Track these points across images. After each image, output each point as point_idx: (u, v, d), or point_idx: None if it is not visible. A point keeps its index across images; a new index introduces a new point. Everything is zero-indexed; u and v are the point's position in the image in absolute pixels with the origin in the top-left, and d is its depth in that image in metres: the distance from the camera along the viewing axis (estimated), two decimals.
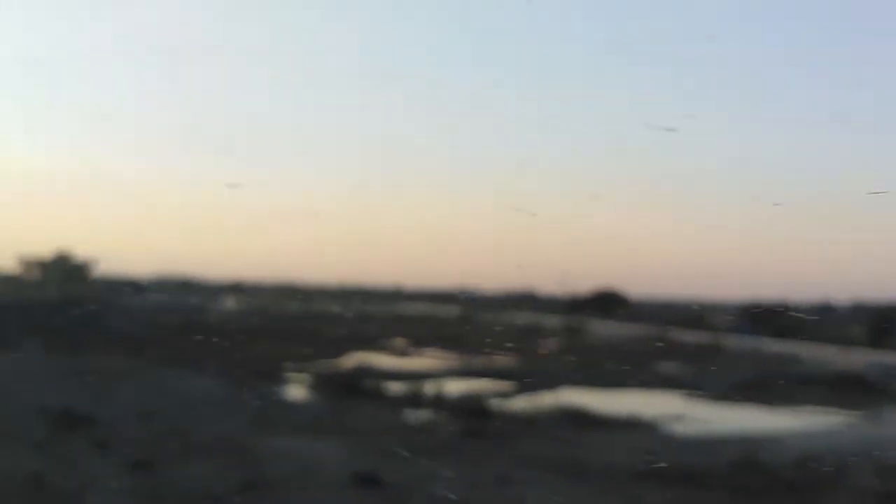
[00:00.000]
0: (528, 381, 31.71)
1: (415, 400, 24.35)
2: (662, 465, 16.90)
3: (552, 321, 64.01)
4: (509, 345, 44.98)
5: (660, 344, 47.39)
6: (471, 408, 23.08)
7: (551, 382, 31.13)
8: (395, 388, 26.47)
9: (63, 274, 64.47)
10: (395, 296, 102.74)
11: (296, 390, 26.35)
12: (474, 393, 25.49)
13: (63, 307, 48.33)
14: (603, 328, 60.45)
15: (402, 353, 40.74)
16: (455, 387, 27.93)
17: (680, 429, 22.62)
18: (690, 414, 25.54)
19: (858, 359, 40.23)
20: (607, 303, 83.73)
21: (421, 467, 16.04)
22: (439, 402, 24.04)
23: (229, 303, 62.71)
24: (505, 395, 26.67)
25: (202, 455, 15.80)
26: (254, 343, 38.77)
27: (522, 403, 24.98)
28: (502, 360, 39.76)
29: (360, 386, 26.18)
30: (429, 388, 26.38)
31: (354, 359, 35.55)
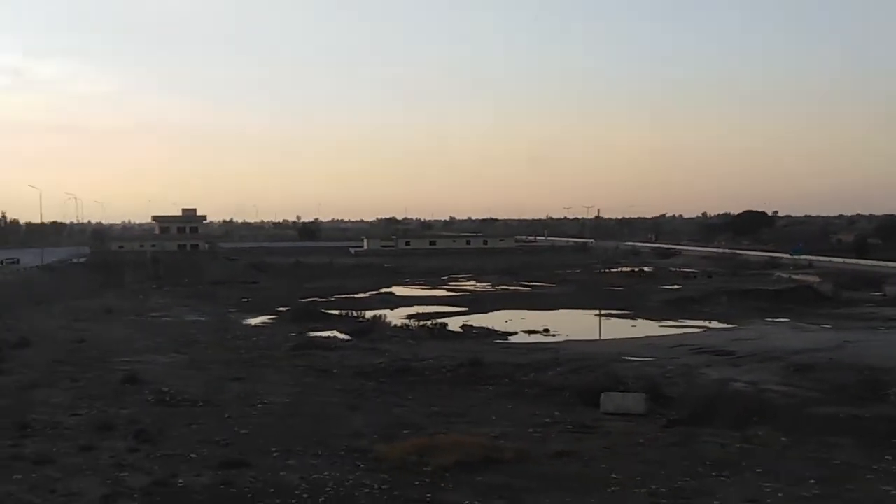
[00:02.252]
0: (478, 304, 36.36)
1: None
2: (411, 364, 20.44)
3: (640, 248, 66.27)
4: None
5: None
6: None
7: (492, 307, 35.65)
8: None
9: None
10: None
11: None
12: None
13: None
14: (687, 256, 61.64)
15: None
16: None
17: (507, 340, 26.78)
18: (554, 327, 29.25)
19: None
20: (752, 223, 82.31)
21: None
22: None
23: None
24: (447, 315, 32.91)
25: None
26: None
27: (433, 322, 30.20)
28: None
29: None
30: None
31: None
